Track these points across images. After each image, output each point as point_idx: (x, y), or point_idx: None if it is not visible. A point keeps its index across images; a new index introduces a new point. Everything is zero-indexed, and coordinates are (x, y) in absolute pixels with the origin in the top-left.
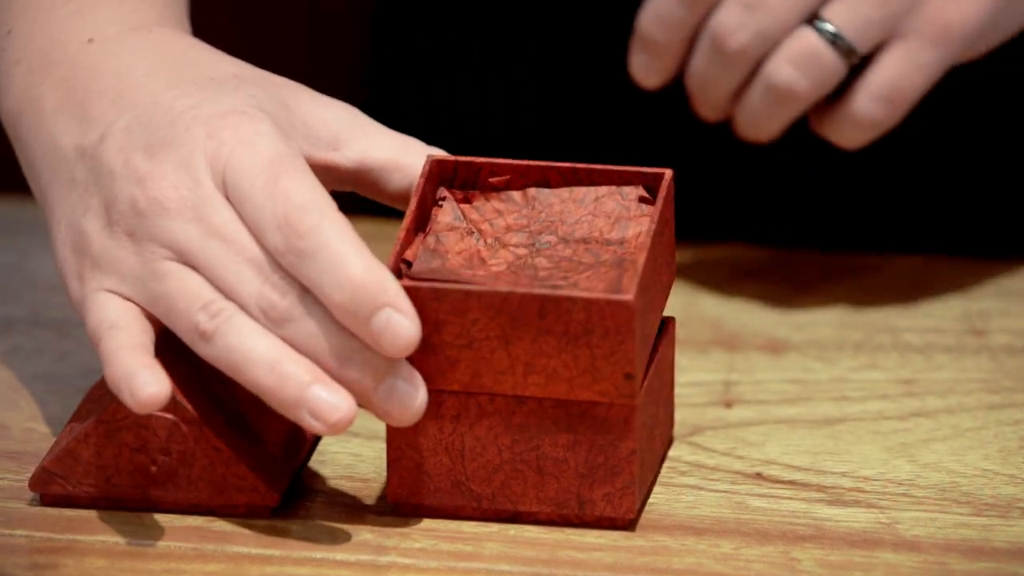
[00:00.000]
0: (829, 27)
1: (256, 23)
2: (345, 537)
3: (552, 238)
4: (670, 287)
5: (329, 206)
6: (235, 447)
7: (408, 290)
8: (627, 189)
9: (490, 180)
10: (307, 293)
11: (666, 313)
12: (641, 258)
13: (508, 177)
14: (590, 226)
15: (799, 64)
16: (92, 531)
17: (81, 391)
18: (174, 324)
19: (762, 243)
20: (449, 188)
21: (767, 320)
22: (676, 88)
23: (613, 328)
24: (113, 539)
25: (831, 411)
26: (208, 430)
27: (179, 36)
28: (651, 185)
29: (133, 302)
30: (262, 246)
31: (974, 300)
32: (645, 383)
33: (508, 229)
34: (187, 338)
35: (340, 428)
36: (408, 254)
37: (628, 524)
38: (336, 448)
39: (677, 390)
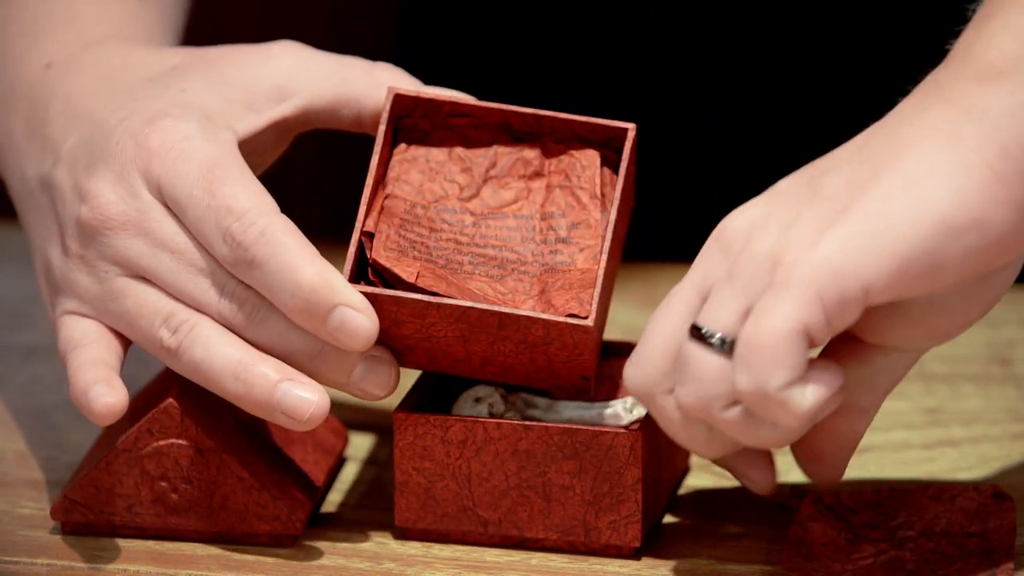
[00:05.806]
0: (697, 325)
1: None
2: (368, 566)
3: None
4: (624, 240)
5: (270, 209)
6: (258, 475)
7: (367, 296)
8: None
9: (450, 120)
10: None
11: None
12: (599, 272)
13: (469, 119)
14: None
15: (682, 374)
16: (113, 560)
17: None
18: (139, 341)
19: None
20: (408, 144)
21: None
22: (692, 103)
23: (571, 344)
24: (134, 568)
25: None
26: (230, 458)
27: (125, 45)
28: (614, 139)
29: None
30: (211, 255)
31: (999, 329)
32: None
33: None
34: (155, 354)
35: (315, 421)
36: (369, 224)
37: (633, 553)
38: (358, 476)
39: None
